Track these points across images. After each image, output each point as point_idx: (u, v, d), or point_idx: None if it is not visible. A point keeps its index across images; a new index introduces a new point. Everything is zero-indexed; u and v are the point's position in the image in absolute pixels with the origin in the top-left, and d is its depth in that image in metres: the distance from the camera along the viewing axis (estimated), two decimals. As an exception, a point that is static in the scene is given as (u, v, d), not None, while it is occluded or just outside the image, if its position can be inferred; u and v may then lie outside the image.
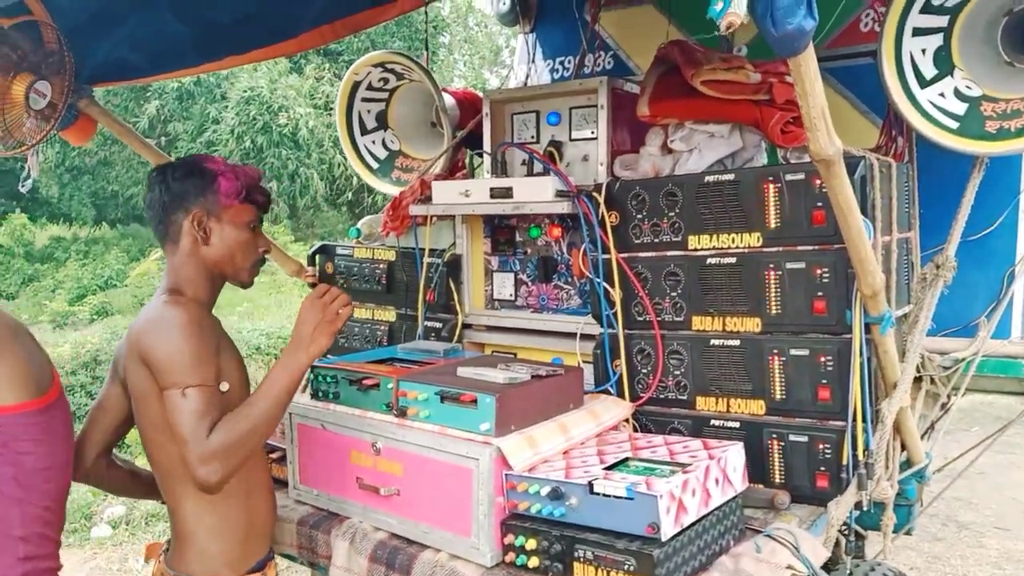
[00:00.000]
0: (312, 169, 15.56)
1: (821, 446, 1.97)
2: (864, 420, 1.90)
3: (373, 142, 3.60)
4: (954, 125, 2.27)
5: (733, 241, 2.06)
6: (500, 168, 2.43)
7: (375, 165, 3.59)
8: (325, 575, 2.03)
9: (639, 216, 2.18)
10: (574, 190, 2.22)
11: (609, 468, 1.76)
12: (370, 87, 3.50)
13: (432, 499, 1.85)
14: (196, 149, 15.70)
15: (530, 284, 2.52)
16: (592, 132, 2.37)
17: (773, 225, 2.00)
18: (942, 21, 2.29)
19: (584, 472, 1.74)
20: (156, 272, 13.24)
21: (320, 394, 2.12)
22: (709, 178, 2.08)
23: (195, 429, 1.65)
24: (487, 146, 2.52)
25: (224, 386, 1.77)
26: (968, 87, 2.30)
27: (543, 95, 2.49)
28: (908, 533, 2.76)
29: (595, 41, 3.54)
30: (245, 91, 14.81)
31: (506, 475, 1.78)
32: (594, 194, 2.20)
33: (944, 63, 2.31)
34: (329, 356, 2.24)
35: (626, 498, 1.61)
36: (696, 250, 2.11)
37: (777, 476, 2.03)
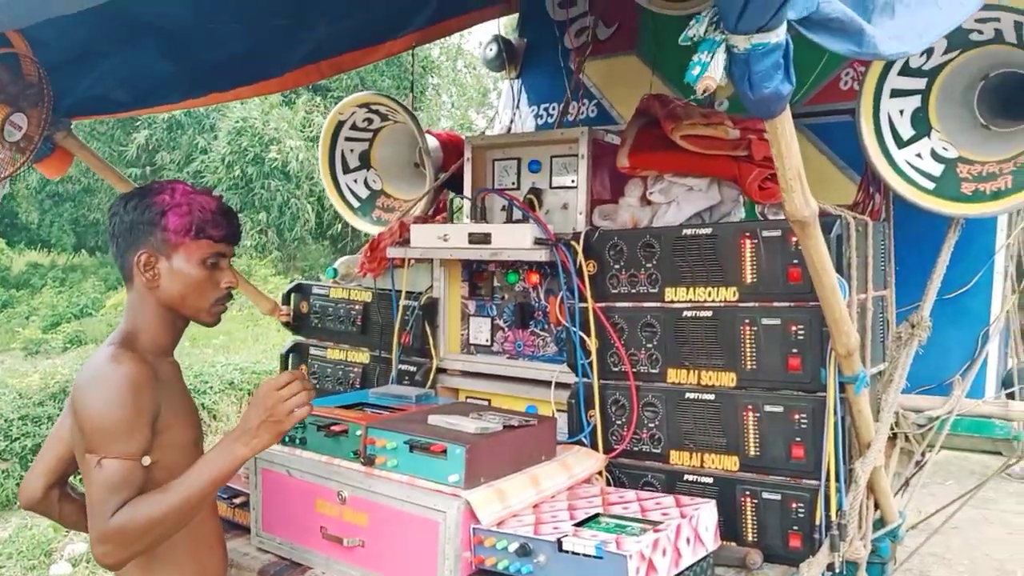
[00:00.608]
0: (304, 200, 15.57)
1: (794, 505, 1.94)
2: (837, 480, 1.88)
3: (355, 181, 3.60)
4: (931, 186, 2.29)
5: (709, 295, 2.06)
6: (480, 213, 2.42)
7: (356, 204, 3.58)
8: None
9: (617, 266, 2.17)
10: (552, 238, 2.21)
11: (579, 524, 1.73)
12: (354, 127, 3.51)
13: (397, 552, 1.81)
14: (183, 179, 15.67)
15: (507, 330, 2.50)
16: (572, 180, 2.37)
17: (749, 280, 2.00)
18: (920, 83, 2.32)
19: (554, 528, 1.70)
20: (132, 302, 13.11)
21: (287, 439, 2.08)
22: (687, 231, 2.08)
23: (101, 504, 1.54)
24: (467, 191, 2.51)
25: (146, 460, 1.63)
26: (945, 148, 2.33)
27: (524, 143, 2.50)
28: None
29: (579, 90, 3.57)
30: (237, 122, 14.85)
31: (474, 529, 1.74)
32: (572, 243, 2.20)
33: (921, 124, 2.34)
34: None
35: (595, 556, 1.58)
36: (673, 302, 2.11)
37: (750, 534, 2.00)
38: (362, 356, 2.75)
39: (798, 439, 1.94)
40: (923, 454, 2.62)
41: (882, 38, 1.43)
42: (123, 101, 2.46)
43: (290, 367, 2.92)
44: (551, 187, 2.43)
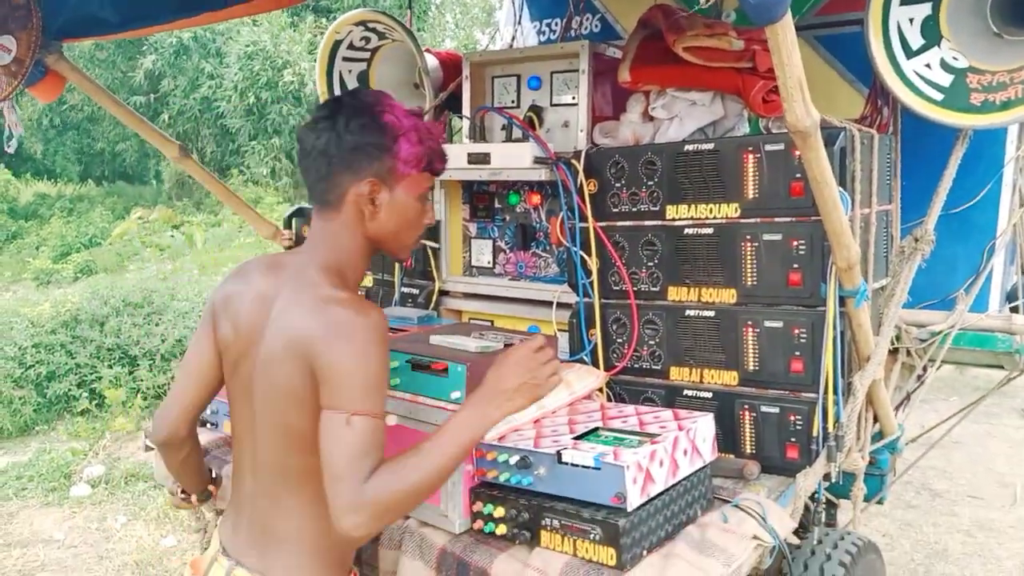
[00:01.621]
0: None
1: (792, 418, 1.97)
2: (835, 393, 1.90)
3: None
4: (939, 97, 2.24)
5: (711, 211, 2.04)
6: (479, 133, 2.39)
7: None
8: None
9: (617, 185, 2.15)
10: (552, 157, 2.19)
11: (578, 438, 1.76)
12: (351, 46, 3.43)
13: (402, 466, 1.85)
14: (190, 106, 15.49)
15: (508, 251, 2.50)
16: (573, 98, 2.33)
17: (751, 196, 1.98)
18: (935, -9, 2.25)
19: (554, 441, 1.74)
20: (137, 232, 13.15)
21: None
22: (688, 147, 2.05)
23: (353, 468, 1.32)
24: (466, 110, 2.48)
25: (391, 420, 1.47)
26: (955, 58, 2.27)
27: (524, 58, 2.44)
28: (880, 502, 2.79)
29: (580, 3, 3.47)
30: (248, 46, 14.56)
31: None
32: (573, 161, 2.17)
33: (932, 33, 2.27)
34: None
35: (593, 468, 1.61)
36: (674, 220, 2.09)
37: (748, 446, 2.04)
38: (365, 280, 2.76)
39: (797, 353, 1.95)
40: (924, 368, 2.64)
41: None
42: (113, 22, 2.40)
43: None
44: (551, 104, 2.39)
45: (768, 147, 1.94)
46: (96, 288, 6.90)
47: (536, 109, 2.38)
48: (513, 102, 2.46)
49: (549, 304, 2.36)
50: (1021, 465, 4.69)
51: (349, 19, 3.35)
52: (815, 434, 1.92)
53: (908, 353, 2.57)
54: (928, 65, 2.28)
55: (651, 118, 2.21)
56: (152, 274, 9.24)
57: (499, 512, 1.72)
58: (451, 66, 3.49)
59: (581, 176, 2.16)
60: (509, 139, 2.30)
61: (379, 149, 1.48)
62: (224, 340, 1.59)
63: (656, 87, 2.18)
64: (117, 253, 11.86)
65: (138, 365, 5.92)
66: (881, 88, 2.38)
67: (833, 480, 1.95)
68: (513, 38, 3.83)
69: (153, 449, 2.25)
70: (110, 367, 5.85)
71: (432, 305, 2.55)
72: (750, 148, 1.96)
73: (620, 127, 2.22)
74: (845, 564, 2.05)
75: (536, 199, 2.39)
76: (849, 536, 2.20)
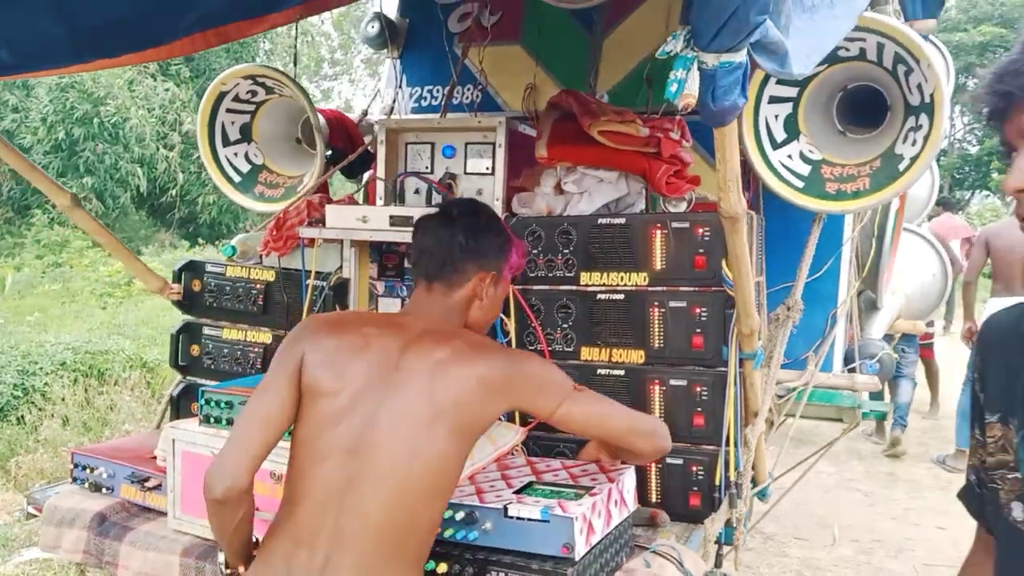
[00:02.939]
0: (135, 165, 14.44)
1: (694, 468, 2.17)
2: (736, 445, 2.12)
3: (235, 154, 3.50)
4: (800, 184, 2.58)
5: (622, 279, 2.23)
6: (398, 197, 2.47)
7: (237, 179, 3.49)
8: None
9: (535, 251, 2.30)
10: (474, 223, 2.30)
11: (518, 492, 1.85)
12: (237, 98, 3.41)
13: (341, 526, 1.85)
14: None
15: (417, 311, 2.57)
16: (487, 168, 2.47)
17: (659, 267, 2.19)
18: (793, 92, 2.61)
19: (496, 496, 1.82)
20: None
21: (212, 420, 2.05)
22: (602, 220, 2.24)
23: (632, 413, 1.83)
24: (381, 173, 2.55)
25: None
26: (811, 151, 2.63)
27: (440, 128, 2.56)
28: (727, 544, 3.06)
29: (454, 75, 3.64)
30: (62, 78, 13.58)
31: (417, 500, 1.81)
32: (493, 228, 2.30)
33: (792, 128, 2.63)
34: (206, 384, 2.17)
35: (540, 520, 1.71)
36: (587, 286, 2.27)
37: (655, 496, 2.21)
38: (263, 336, 2.72)
39: (699, 409, 2.16)
40: (783, 420, 2.96)
41: (794, 59, 1.63)
42: (8, 63, 2.28)
43: (180, 348, 2.83)
44: (466, 172, 2.51)
45: (675, 224, 2.17)
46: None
47: (451, 176, 2.50)
48: (427, 168, 2.56)
49: (457, 363, 2.44)
50: (835, 507, 5.24)
51: (238, 72, 3.34)
52: (717, 483, 2.13)
53: (769, 409, 2.89)
54: (790, 156, 2.63)
55: (562, 191, 2.39)
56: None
57: (442, 568, 1.76)
58: (336, 123, 3.55)
59: (500, 242, 2.29)
60: (428, 203, 2.40)
61: (502, 253, 1.81)
62: (320, 391, 1.59)
63: (569, 164, 2.36)
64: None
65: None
66: (744, 172, 2.71)
67: (733, 525, 2.16)
68: (395, 101, 3.94)
69: (36, 517, 2.10)
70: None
71: (339, 363, 2.55)
72: (658, 224, 2.19)
73: (535, 198, 2.39)
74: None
75: (448, 261, 2.48)
76: (726, 577, 2.42)
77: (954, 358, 7.27)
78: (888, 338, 4.02)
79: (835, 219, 3.05)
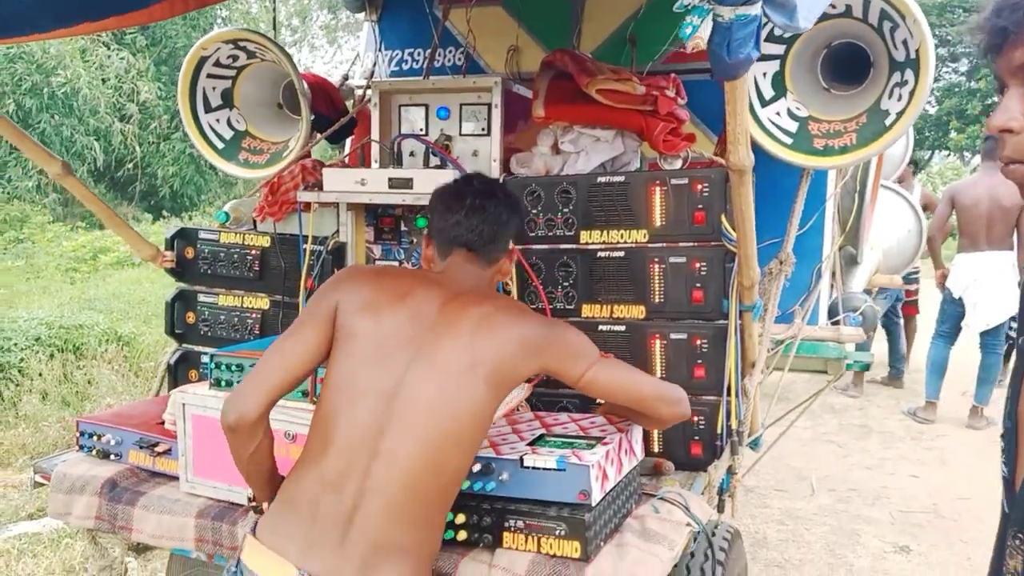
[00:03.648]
0: (91, 137, 14.06)
1: (696, 418, 2.23)
2: (737, 395, 2.19)
3: (218, 121, 3.46)
4: (788, 141, 2.63)
5: (622, 237, 2.27)
6: (396, 159, 2.47)
7: (220, 145, 3.45)
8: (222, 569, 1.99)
9: (534, 211, 2.33)
10: (474, 183, 2.32)
11: (531, 444, 1.90)
12: (218, 63, 3.36)
13: (359, 482, 1.88)
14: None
15: (415, 273, 2.59)
16: (482, 128, 2.48)
17: (658, 224, 2.23)
18: (780, 49, 2.64)
19: (511, 448, 1.86)
20: None
21: (222, 383, 2.07)
22: (601, 179, 2.27)
23: (651, 379, 1.94)
24: (376, 136, 2.54)
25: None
26: (798, 108, 2.68)
27: (433, 90, 2.56)
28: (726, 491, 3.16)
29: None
30: (10, 47, 13.11)
31: (433, 455, 1.85)
32: (493, 188, 2.32)
33: (779, 86, 2.66)
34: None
35: (556, 469, 1.76)
36: (588, 244, 2.30)
37: (656, 446, 2.28)
38: (260, 302, 2.72)
39: (699, 361, 2.22)
40: (769, 373, 3.04)
41: (800, 13, 1.67)
42: (-10, 27, 2.23)
43: (175, 316, 2.82)
44: (460, 134, 2.52)
45: (674, 181, 2.21)
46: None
47: (446, 138, 2.50)
48: (421, 130, 2.56)
49: (457, 323, 2.47)
50: (812, 460, 5.39)
51: (219, 36, 3.29)
52: (719, 431, 2.19)
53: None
54: (778, 113, 2.67)
55: (559, 151, 2.41)
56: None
57: (460, 519, 1.81)
58: (318, 88, 3.51)
59: (500, 202, 2.31)
60: (426, 165, 2.41)
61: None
62: (356, 335, 1.63)
63: (566, 123, 2.38)
64: None
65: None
66: (729, 131, 2.75)
67: (735, 471, 2.23)
68: (375, 64, 3.91)
69: (44, 485, 2.10)
70: None
71: (339, 326, 2.57)
72: (658, 181, 2.22)
73: (532, 158, 2.40)
74: (724, 549, 2.34)
75: (445, 223, 2.50)
76: (723, 524, 2.51)
77: (921, 317, 7.47)
78: (867, 292, 4.12)
79: (819, 175, 3.10)
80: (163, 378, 2.81)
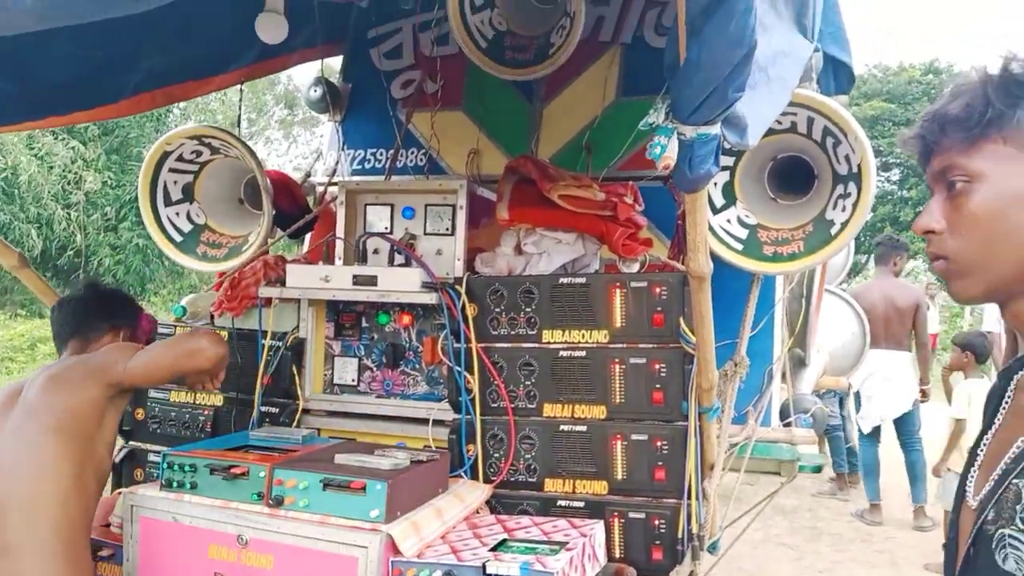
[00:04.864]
0: (29, 225, 13.78)
1: (657, 522, 2.22)
2: (696, 497, 2.19)
3: (177, 214, 3.45)
4: (739, 247, 2.72)
5: (583, 336, 2.31)
6: (361, 256, 2.49)
7: (178, 238, 3.43)
8: None
9: (497, 310, 2.35)
10: (438, 281, 2.35)
11: (493, 549, 1.86)
12: (180, 158, 3.38)
13: (314, 590, 1.82)
14: None
15: (375, 369, 2.57)
16: (447, 228, 2.53)
17: (619, 324, 2.28)
18: (729, 161, 2.78)
19: (472, 555, 1.83)
20: None
21: (173, 484, 2.00)
22: (563, 280, 2.32)
23: None
24: (341, 233, 2.57)
25: None
26: (747, 216, 2.79)
27: (399, 190, 2.61)
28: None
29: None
30: (-48, 134, 12.92)
31: (393, 562, 1.81)
32: (457, 287, 2.35)
33: (729, 195, 2.78)
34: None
35: (521, 576, 1.73)
36: (549, 343, 2.33)
37: (617, 550, 2.25)
38: (214, 398, 2.66)
39: (660, 463, 2.23)
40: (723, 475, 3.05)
41: (750, 132, 1.77)
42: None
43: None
44: (425, 233, 2.56)
45: (634, 284, 2.27)
46: None
47: (412, 237, 2.54)
48: (386, 228, 2.60)
49: (416, 421, 2.46)
50: (765, 564, 5.36)
51: (183, 132, 3.31)
52: (680, 535, 2.18)
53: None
54: (729, 220, 2.78)
55: (522, 252, 2.46)
56: None
57: (420, 628, 1.76)
58: (280, 185, 3.55)
59: (464, 300, 2.34)
60: (391, 263, 2.43)
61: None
62: None
63: (529, 225, 2.44)
64: None
65: None
66: (683, 237, 2.85)
67: (692, 576, 2.21)
68: (337, 163, 3.98)
69: None
70: None
71: (295, 424, 2.53)
72: (618, 284, 2.28)
73: (496, 258, 2.45)
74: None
75: (407, 319, 2.51)
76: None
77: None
78: (816, 393, 4.20)
79: (768, 280, 3.21)
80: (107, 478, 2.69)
